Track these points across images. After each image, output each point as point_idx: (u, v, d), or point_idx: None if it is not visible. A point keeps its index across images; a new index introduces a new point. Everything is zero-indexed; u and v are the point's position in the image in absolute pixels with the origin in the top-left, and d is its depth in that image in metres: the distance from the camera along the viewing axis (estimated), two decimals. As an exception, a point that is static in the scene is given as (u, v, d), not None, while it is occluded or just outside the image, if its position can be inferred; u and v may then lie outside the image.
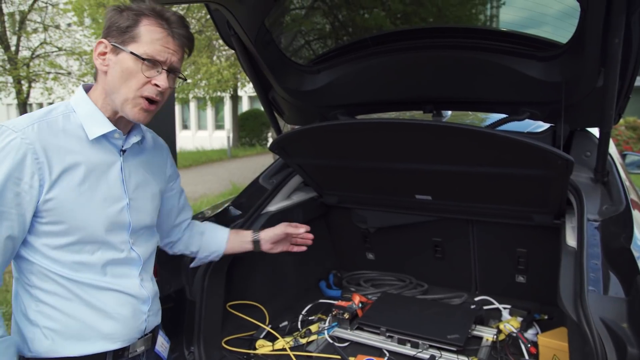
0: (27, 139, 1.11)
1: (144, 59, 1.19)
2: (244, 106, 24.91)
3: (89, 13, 11.10)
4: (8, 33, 12.40)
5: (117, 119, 1.27)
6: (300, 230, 1.81)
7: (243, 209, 2.29)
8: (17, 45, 12.42)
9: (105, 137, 1.25)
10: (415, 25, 2.07)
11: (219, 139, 23.92)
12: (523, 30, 1.90)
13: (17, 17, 13.12)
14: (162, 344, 1.45)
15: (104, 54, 1.21)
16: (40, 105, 26.92)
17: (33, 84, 13.04)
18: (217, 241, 1.74)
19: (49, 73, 12.89)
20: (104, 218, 1.23)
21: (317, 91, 2.24)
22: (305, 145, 2.22)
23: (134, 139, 1.31)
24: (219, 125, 26.85)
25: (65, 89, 13.46)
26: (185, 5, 9.87)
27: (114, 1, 10.12)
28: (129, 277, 1.30)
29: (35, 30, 13.02)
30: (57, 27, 13.07)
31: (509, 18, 1.96)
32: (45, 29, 12.80)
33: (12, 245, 1.13)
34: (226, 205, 2.34)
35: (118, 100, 1.22)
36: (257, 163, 14.69)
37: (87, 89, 1.28)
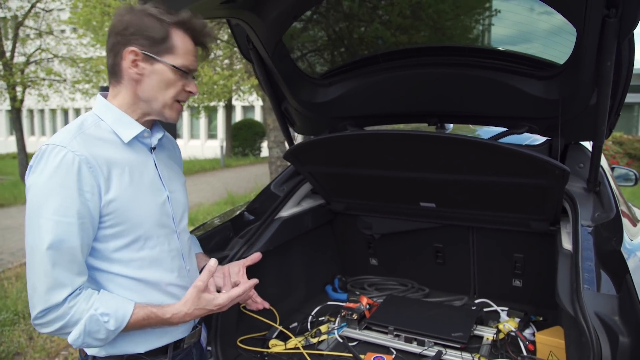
0: (77, 151, 1.16)
1: (182, 71, 1.27)
2: (238, 116, 25.03)
3: (93, 24, 11.06)
4: (2, 39, 12.40)
5: (144, 121, 1.33)
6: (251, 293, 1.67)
7: (256, 215, 2.41)
8: (12, 51, 12.42)
9: (135, 138, 1.30)
10: (417, 40, 2.21)
11: (212, 148, 23.98)
12: (524, 50, 2.05)
13: (10, 24, 13.15)
14: (204, 336, 1.57)
15: (136, 61, 1.25)
16: (31, 112, 26.80)
17: (28, 90, 13.03)
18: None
19: (44, 80, 12.89)
20: (156, 212, 1.30)
21: (328, 103, 2.38)
22: (317, 154, 2.35)
23: (158, 135, 1.38)
24: (211, 135, 26.92)
25: (61, 97, 13.47)
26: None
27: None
28: (181, 269, 1.37)
29: (28, 36, 13.04)
30: (50, 32, 13.07)
31: (510, 37, 2.12)
32: (40, 35, 12.82)
33: (88, 250, 1.20)
34: (241, 210, 2.46)
35: (156, 106, 1.29)
36: (251, 173, 14.80)
37: (104, 96, 1.34)
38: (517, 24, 2.03)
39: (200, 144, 26.36)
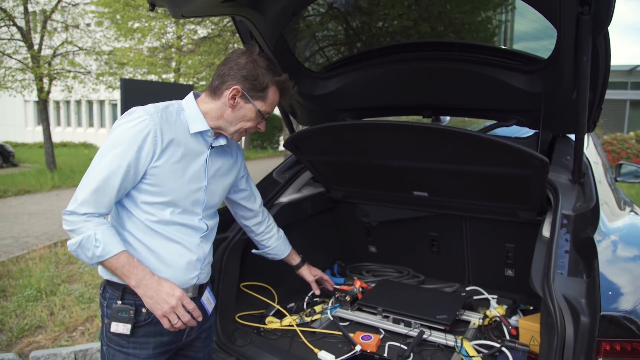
0: (153, 122, 1.51)
1: (262, 115, 1.65)
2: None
3: (114, 14, 11.43)
4: (31, 32, 12.80)
5: (214, 130, 1.66)
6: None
7: (258, 200, 2.54)
8: (40, 44, 12.80)
9: (201, 133, 1.63)
10: (423, 37, 2.30)
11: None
12: (513, 45, 2.13)
13: (39, 17, 13.55)
14: (207, 299, 1.78)
15: (235, 96, 1.59)
16: (57, 103, 27.46)
17: (54, 82, 13.42)
18: (283, 248, 2.26)
19: (69, 72, 13.26)
20: (187, 191, 1.61)
21: (327, 95, 2.49)
22: (316, 143, 2.47)
23: (221, 141, 1.70)
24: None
25: (85, 87, 13.85)
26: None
27: (141, 0, 10.40)
28: (192, 237, 1.66)
29: (55, 30, 13.41)
30: (77, 26, 13.43)
31: (502, 33, 2.19)
32: (67, 28, 13.18)
33: (123, 192, 1.52)
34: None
35: (231, 129, 1.65)
36: (269, 165, 14.98)
37: (195, 96, 1.67)
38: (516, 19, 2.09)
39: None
